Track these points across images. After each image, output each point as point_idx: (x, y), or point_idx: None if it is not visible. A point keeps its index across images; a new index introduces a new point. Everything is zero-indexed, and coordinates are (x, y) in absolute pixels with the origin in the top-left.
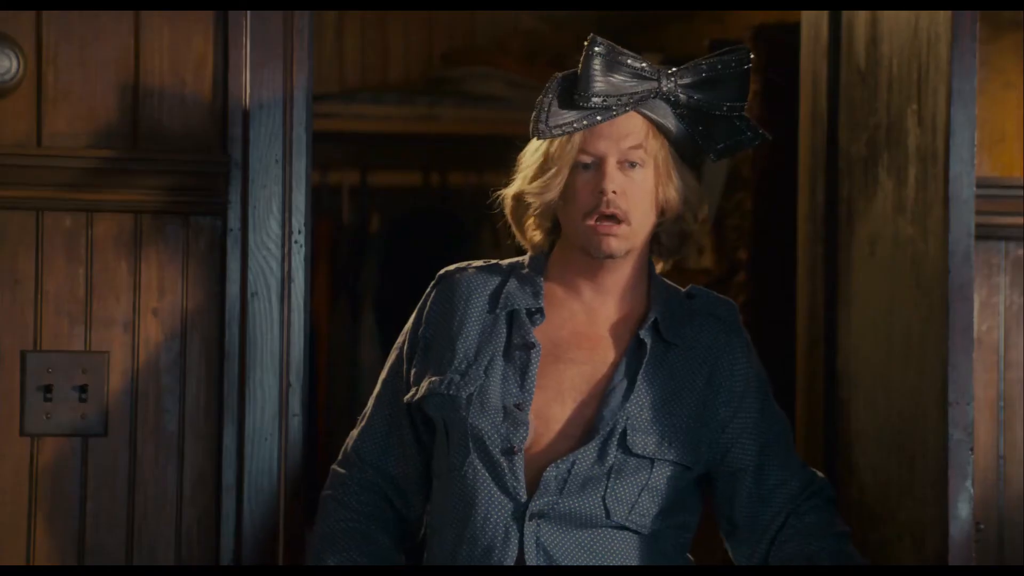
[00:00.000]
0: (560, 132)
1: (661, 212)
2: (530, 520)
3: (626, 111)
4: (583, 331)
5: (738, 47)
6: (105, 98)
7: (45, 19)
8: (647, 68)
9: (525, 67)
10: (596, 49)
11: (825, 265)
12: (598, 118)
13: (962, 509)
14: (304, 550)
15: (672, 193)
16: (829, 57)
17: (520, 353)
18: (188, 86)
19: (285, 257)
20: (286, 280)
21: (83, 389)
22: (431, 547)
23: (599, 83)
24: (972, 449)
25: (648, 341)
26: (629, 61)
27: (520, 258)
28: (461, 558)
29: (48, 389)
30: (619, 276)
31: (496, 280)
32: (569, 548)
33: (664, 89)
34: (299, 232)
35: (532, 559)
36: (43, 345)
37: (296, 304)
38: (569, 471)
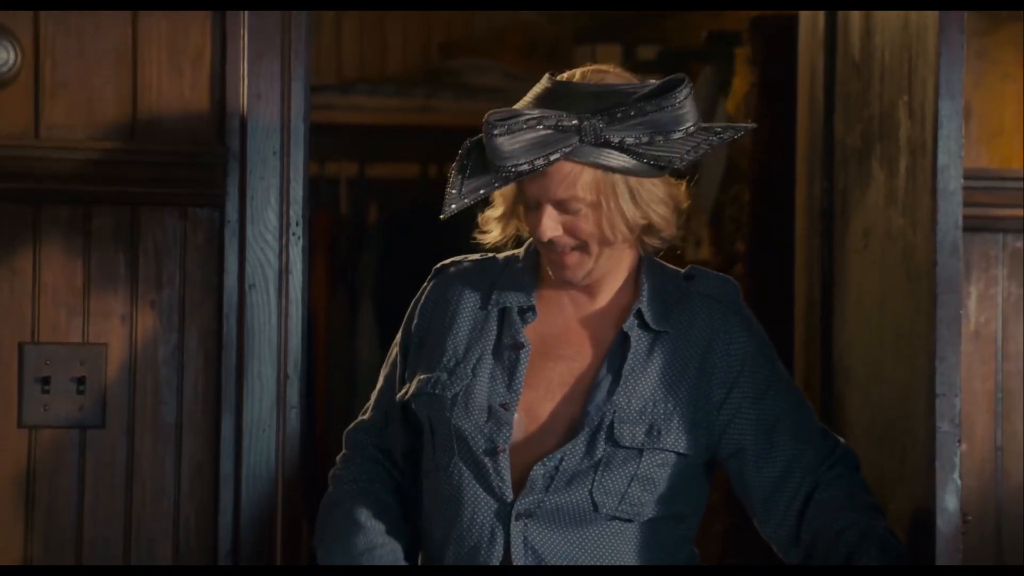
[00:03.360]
0: (473, 198)
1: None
2: (516, 520)
3: (551, 163)
4: (572, 327)
5: (676, 81)
6: (103, 90)
7: (43, 11)
8: (564, 123)
9: (523, 59)
10: (494, 132)
11: (822, 258)
12: (523, 173)
13: (949, 501)
14: (302, 542)
15: (628, 223)
16: (825, 49)
17: (509, 352)
18: (186, 78)
19: (283, 249)
20: (284, 272)
21: (81, 381)
22: (423, 550)
23: (508, 149)
24: (960, 441)
25: (632, 334)
26: (538, 126)
27: (516, 251)
28: (448, 558)
29: (46, 381)
30: (605, 273)
31: (490, 275)
32: (559, 546)
33: (587, 139)
34: (297, 224)
35: (520, 559)
36: (41, 337)
37: (294, 296)
38: (557, 468)
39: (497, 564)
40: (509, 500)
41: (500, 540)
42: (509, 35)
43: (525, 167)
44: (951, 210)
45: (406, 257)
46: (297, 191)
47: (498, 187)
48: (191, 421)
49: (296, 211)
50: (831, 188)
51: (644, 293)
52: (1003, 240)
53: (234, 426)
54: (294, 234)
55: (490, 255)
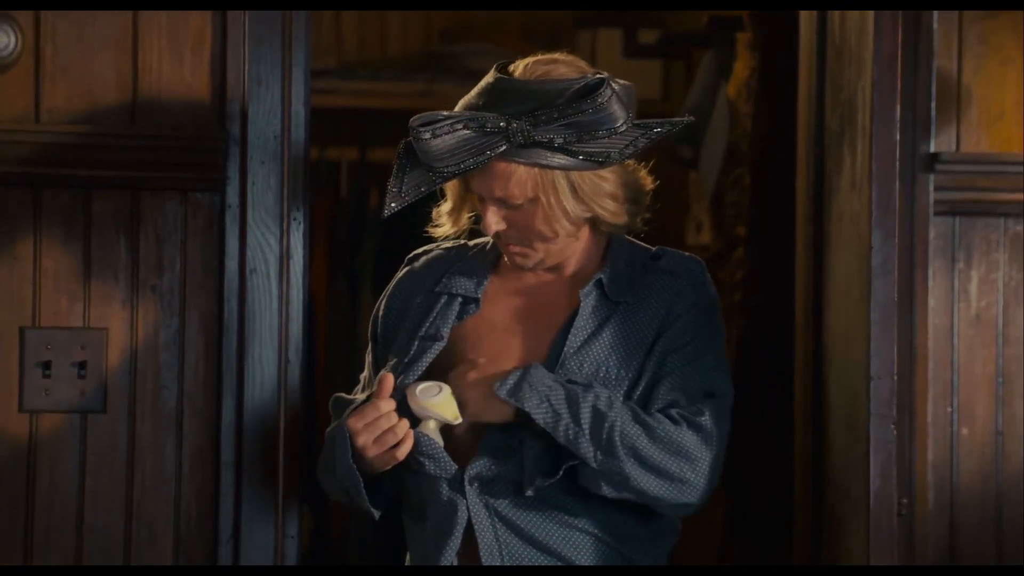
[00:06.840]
0: (414, 196)
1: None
2: (470, 485)
3: (480, 163)
4: (537, 303)
5: (595, 84)
6: (103, 74)
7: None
8: (489, 125)
9: (523, 43)
10: (421, 136)
11: (814, 242)
12: (455, 173)
13: (881, 486)
14: (303, 527)
15: (569, 217)
16: (817, 33)
17: (423, 342)
18: (186, 63)
19: (283, 233)
20: (284, 256)
21: (82, 366)
22: (409, 540)
23: (437, 151)
24: (895, 424)
25: (586, 300)
26: (463, 129)
27: (486, 239)
28: (417, 539)
29: (47, 365)
30: (563, 258)
31: (453, 263)
32: (517, 502)
33: (515, 140)
34: (297, 208)
35: (480, 513)
36: (42, 322)
37: (295, 280)
38: (514, 438)
39: (461, 530)
40: (452, 471)
41: (463, 507)
42: (509, 19)
43: (455, 168)
44: (887, 194)
45: (407, 241)
46: (298, 176)
47: (439, 184)
48: (192, 405)
49: (297, 196)
50: (822, 172)
51: (608, 267)
52: (1004, 224)
53: (235, 410)
54: (295, 219)
55: (462, 243)
